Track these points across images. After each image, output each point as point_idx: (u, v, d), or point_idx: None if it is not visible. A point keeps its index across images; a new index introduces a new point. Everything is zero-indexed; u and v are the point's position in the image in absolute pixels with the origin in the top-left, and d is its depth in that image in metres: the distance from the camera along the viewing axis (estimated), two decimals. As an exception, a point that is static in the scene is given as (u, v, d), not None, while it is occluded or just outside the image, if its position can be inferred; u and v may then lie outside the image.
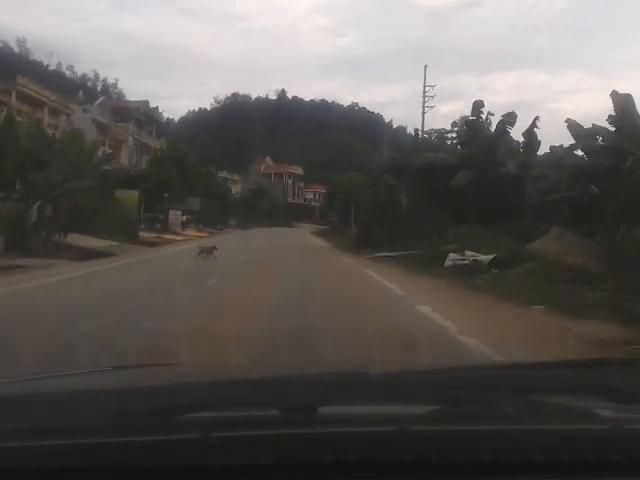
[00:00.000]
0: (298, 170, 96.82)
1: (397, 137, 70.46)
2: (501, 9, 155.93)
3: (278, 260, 20.49)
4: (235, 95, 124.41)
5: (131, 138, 57.68)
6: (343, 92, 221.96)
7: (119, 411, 1.27)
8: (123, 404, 1.35)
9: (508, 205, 19.50)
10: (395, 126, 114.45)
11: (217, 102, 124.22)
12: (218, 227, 54.27)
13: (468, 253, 14.75)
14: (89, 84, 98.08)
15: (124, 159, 54.45)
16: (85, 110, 48.99)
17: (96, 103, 55.75)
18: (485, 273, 13.58)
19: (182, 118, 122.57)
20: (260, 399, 1.42)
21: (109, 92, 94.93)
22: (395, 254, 20.11)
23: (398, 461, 1.07)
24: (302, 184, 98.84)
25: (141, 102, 68.11)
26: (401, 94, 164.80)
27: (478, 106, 22.23)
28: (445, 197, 20.90)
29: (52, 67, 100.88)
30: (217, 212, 56.99)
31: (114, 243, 23.82)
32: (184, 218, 44.36)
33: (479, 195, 19.81)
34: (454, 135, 25.23)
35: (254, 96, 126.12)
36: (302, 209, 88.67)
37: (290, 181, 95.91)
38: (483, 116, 22.27)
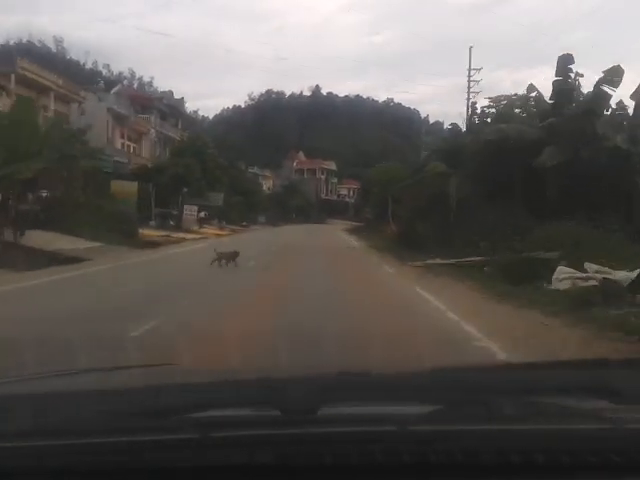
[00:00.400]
0: (331, 165, 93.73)
1: (434, 132, 66.99)
2: (535, 2, 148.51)
3: (294, 266, 16.10)
4: (269, 92, 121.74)
5: (153, 130, 54.07)
6: (378, 88, 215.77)
7: (118, 411, 1.25)
8: (122, 404, 1.33)
9: (614, 193, 13.94)
10: (432, 122, 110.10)
11: (251, 99, 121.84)
12: (243, 224, 50.24)
13: (591, 267, 8.86)
14: (125, 82, 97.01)
15: (145, 152, 50.92)
16: (100, 99, 45.15)
17: (112, 91, 51.65)
18: (627, 301, 7.98)
19: (216, 116, 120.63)
20: (260, 399, 1.39)
21: (145, 90, 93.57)
22: (454, 261, 14.75)
23: (398, 461, 1.07)
24: (336, 180, 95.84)
25: (164, 92, 64.73)
26: (437, 91, 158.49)
27: (566, 62, 16.06)
28: (521, 184, 15.39)
29: (89, 66, 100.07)
30: (244, 208, 53.40)
31: (97, 244, 19.31)
32: (202, 214, 39.94)
33: (573, 180, 14.20)
34: (522, 104, 19.36)
35: (288, 93, 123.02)
36: (336, 205, 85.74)
37: (323, 177, 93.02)
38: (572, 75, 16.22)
